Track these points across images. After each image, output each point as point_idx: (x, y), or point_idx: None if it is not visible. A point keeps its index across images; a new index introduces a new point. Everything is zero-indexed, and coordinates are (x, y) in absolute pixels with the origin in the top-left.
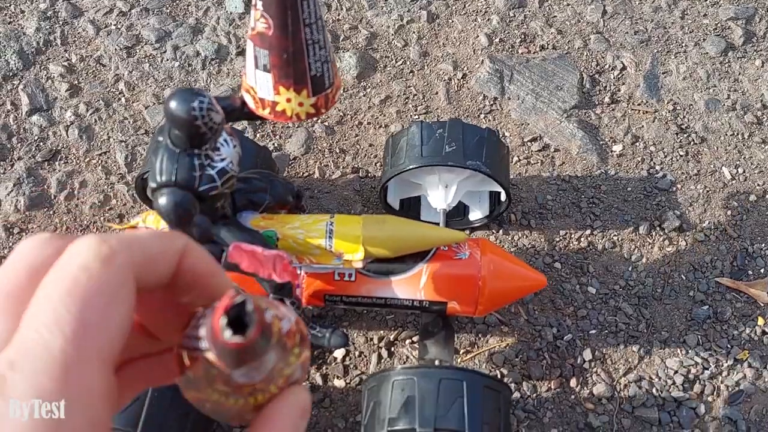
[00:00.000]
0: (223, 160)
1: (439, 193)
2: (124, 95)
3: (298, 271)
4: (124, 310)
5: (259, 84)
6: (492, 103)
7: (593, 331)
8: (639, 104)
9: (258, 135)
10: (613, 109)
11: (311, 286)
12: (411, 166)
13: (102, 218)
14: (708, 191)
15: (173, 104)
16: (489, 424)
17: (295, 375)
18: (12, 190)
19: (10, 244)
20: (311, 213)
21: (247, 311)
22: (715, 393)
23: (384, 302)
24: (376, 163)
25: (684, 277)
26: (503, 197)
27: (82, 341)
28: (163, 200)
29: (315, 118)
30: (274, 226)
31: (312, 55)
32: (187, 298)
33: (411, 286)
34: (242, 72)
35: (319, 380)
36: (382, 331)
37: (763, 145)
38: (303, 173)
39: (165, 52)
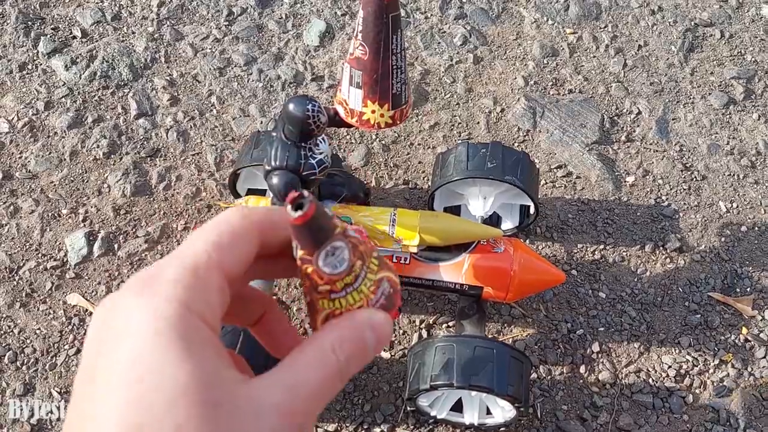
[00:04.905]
0: (321, 153)
1: (479, 203)
2: (215, 107)
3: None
4: (246, 246)
5: (351, 97)
6: (525, 134)
7: (602, 329)
8: (650, 144)
9: None
10: (628, 147)
11: None
12: (458, 177)
13: (193, 207)
14: (706, 220)
15: (292, 106)
16: (512, 386)
17: (377, 295)
18: (120, 179)
19: (117, 222)
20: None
21: (304, 196)
22: (702, 386)
23: (431, 284)
24: (423, 178)
25: (681, 290)
26: (532, 210)
27: (212, 254)
28: (275, 180)
29: (391, 128)
30: (349, 213)
31: (395, 77)
32: None
33: (455, 271)
34: (337, 88)
35: None
36: (422, 315)
37: (755, 185)
38: None
39: (251, 74)
